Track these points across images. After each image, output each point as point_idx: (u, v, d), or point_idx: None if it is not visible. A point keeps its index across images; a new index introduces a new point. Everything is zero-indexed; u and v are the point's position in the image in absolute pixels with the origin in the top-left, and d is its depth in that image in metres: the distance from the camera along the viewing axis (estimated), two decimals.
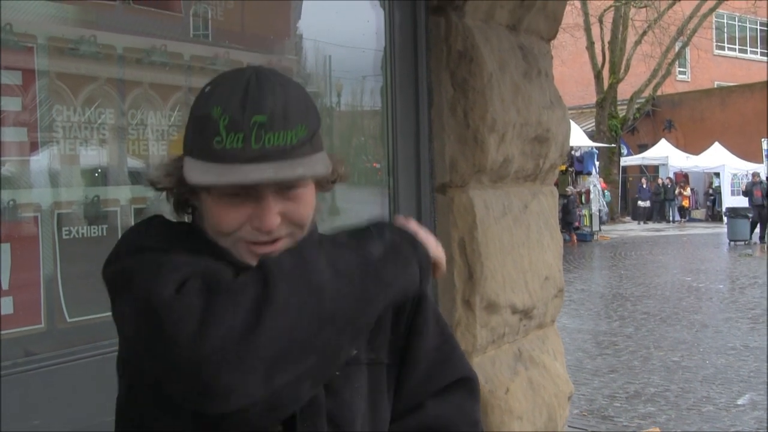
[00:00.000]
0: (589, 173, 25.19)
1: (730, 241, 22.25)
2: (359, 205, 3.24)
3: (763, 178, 23.65)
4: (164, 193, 1.40)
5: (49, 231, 2.21)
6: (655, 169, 32.91)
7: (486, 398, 2.96)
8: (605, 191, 27.50)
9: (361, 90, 3.32)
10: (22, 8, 2.18)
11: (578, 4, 28.62)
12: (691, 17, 30.17)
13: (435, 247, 1.40)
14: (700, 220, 31.62)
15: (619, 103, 31.60)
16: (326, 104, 3.20)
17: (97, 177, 2.46)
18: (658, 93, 32.91)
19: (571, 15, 27.34)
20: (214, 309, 1.14)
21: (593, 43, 30.48)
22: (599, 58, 30.86)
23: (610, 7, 30.79)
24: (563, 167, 21.13)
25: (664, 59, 30.97)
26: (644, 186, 31.66)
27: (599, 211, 25.30)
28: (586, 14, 29.78)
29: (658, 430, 6.14)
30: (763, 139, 26.43)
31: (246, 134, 1.23)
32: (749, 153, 29.22)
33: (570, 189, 23.82)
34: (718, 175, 30.58)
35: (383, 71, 3.12)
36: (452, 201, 3.09)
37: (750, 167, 27.93)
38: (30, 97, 2.18)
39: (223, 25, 2.78)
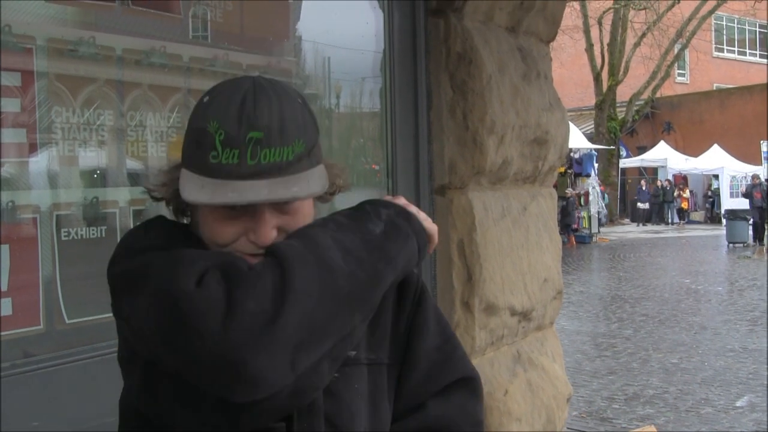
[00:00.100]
0: (588, 175, 25.20)
1: (729, 243, 22.25)
2: None
3: (763, 180, 23.64)
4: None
5: (48, 232, 2.21)
6: (654, 171, 32.93)
7: (485, 400, 2.95)
8: (604, 193, 27.50)
9: (360, 92, 3.32)
10: (21, 9, 2.18)
11: (577, 6, 28.66)
12: (690, 19, 30.20)
13: (425, 219, 1.43)
14: (699, 222, 31.64)
15: (618, 105, 31.63)
16: (325, 106, 3.20)
17: (96, 178, 2.45)
18: (657, 95, 32.93)
19: (570, 17, 27.37)
20: (237, 299, 1.15)
21: (592, 45, 30.51)
22: (598, 60, 30.89)
23: (609, 9, 30.83)
24: (562, 169, 21.16)
25: (663, 61, 31.00)
26: (643, 188, 31.66)
27: (598, 213, 25.31)
28: (585, 16, 29.81)
29: (654, 429, 6.13)
30: (762, 141, 26.43)
31: (242, 150, 1.22)
32: (748, 155, 29.25)
33: (569, 191, 23.83)
34: (717, 177, 30.61)
35: (382, 73, 3.12)
36: (451, 203, 3.09)
37: (749, 169, 27.96)
38: (29, 99, 2.18)
39: (222, 26, 2.78)
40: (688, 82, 40.67)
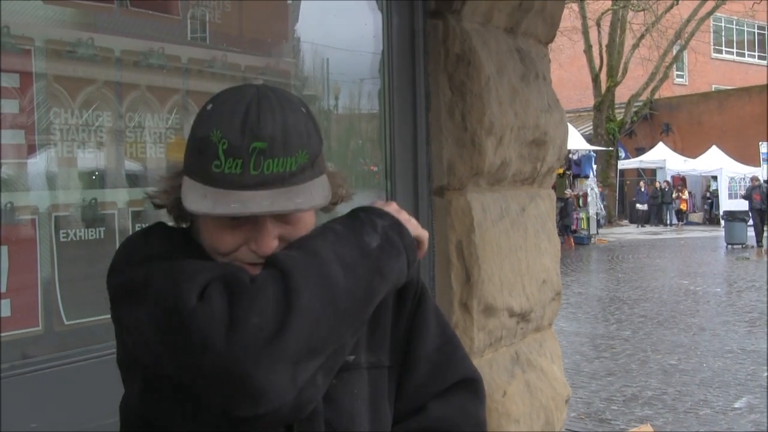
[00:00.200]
0: (587, 176, 25.21)
1: (728, 244, 22.26)
2: None
3: (762, 181, 23.65)
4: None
5: (47, 234, 2.21)
6: (653, 172, 32.93)
7: None
8: (603, 194, 27.51)
9: (358, 93, 3.32)
10: (19, 11, 2.18)
11: (576, 7, 28.65)
12: (688, 20, 30.22)
13: (416, 227, 1.42)
14: (697, 224, 31.65)
15: (616, 106, 31.63)
16: (324, 107, 3.21)
17: (95, 180, 2.45)
18: (656, 96, 32.95)
19: (569, 18, 27.37)
20: (239, 313, 1.15)
21: (591, 46, 30.52)
22: (597, 62, 30.90)
23: (608, 10, 30.85)
24: (561, 170, 21.16)
25: (662, 62, 31.03)
26: (642, 189, 31.68)
27: (597, 214, 25.32)
28: (584, 17, 29.81)
29: (650, 428, 6.13)
30: (760, 143, 26.47)
31: (245, 160, 1.22)
32: (747, 156, 29.28)
33: (568, 192, 23.84)
34: (715, 178, 30.63)
35: (381, 74, 3.12)
36: (450, 204, 3.09)
37: (748, 170, 27.98)
38: (27, 100, 2.18)
39: (220, 27, 2.78)
40: (686, 83, 40.70)
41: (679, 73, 39.89)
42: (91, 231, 2.34)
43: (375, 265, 1.28)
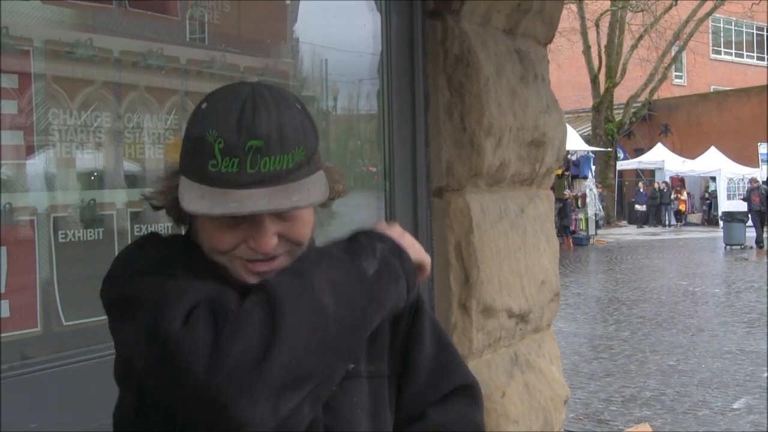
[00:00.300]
0: (586, 177, 25.20)
1: (726, 245, 22.27)
2: (355, 209, 3.24)
3: (761, 182, 23.66)
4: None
5: (46, 234, 2.21)
6: (651, 173, 32.93)
7: None
8: (601, 195, 27.52)
9: (357, 94, 3.32)
10: (18, 11, 2.18)
11: (575, 8, 28.65)
12: (687, 21, 30.23)
13: (419, 252, 1.39)
14: (696, 225, 31.64)
15: (615, 107, 31.63)
16: (322, 108, 3.21)
17: (94, 180, 2.45)
18: (655, 97, 32.96)
19: (568, 19, 27.36)
20: (223, 341, 1.14)
21: (590, 47, 30.53)
22: (596, 62, 30.90)
23: (607, 11, 30.84)
24: (559, 171, 21.16)
25: (661, 63, 31.04)
26: (641, 190, 31.69)
27: (595, 215, 25.33)
28: (582, 18, 29.81)
29: (648, 428, 6.13)
30: (759, 144, 26.48)
31: (241, 159, 1.21)
32: (745, 157, 29.30)
33: (566, 192, 23.84)
34: (714, 179, 30.64)
35: (380, 75, 3.12)
36: (449, 205, 3.09)
37: (746, 171, 27.99)
38: (26, 101, 2.18)
39: (219, 28, 2.78)
40: (685, 84, 40.70)
41: (677, 73, 39.89)
42: (90, 232, 2.34)
43: (371, 291, 1.26)
